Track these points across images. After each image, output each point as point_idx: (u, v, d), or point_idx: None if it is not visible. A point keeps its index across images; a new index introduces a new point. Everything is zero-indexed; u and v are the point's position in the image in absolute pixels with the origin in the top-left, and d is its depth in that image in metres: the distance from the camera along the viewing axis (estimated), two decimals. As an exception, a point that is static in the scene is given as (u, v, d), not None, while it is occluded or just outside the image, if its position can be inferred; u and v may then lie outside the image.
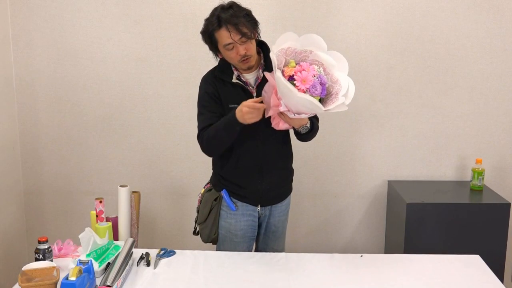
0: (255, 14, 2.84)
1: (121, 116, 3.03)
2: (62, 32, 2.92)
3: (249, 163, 2.18)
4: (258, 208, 2.25)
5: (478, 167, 2.91)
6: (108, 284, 1.81)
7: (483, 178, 2.91)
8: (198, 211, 2.34)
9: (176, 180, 3.10)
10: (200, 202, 2.32)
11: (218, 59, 2.17)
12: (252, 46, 2.05)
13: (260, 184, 2.20)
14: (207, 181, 2.35)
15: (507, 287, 2.76)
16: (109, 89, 2.99)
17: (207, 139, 2.10)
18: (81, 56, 2.95)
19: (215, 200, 2.25)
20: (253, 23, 2.04)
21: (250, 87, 2.12)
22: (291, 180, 2.37)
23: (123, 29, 2.91)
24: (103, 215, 2.23)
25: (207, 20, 2.06)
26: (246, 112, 1.95)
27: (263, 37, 2.11)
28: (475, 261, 2.15)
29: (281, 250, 2.37)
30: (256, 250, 2.39)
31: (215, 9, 2.04)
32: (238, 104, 2.02)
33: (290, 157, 2.31)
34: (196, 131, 2.17)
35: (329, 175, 3.09)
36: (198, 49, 2.92)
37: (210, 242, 2.30)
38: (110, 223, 2.22)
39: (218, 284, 1.94)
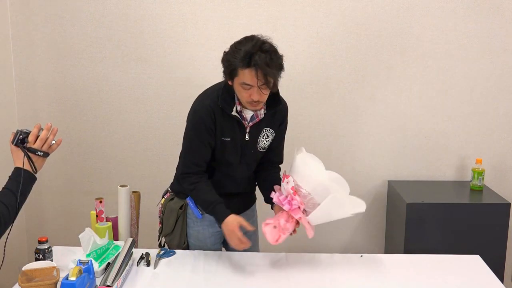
0: (255, 14, 2.87)
1: (121, 116, 3.02)
2: (62, 32, 2.92)
3: (223, 188, 2.13)
4: None
5: (478, 167, 2.91)
6: (108, 284, 1.81)
7: (483, 178, 2.91)
8: (161, 222, 2.26)
9: (176, 180, 3.09)
10: (163, 212, 2.25)
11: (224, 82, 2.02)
12: (267, 94, 1.94)
13: (225, 200, 2.10)
14: (165, 191, 2.31)
15: (507, 287, 2.76)
16: (109, 89, 2.99)
17: (192, 192, 2.09)
18: (81, 56, 2.95)
19: (180, 208, 2.19)
20: (279, 76, 1.92)
21: (245, 122, 2.05)
22: (255, 189, 2.33)
23: (123, 29, 2.91)
24: (103, 215, 2.23)
25: (236, 50, 1.88)
26: (231, 238, 1.98)
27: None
28: (475, 261, 2.14)
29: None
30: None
31: (253, 45, 1.85)
32: (231, 137, 2.02)
33: (254, 180, 2.27)
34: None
35: (329, 175, 3.08)
36: (198, 49, 2.93)
37: None
38: (110, 223, 2.22)
39: (218, 284, 1.94)
